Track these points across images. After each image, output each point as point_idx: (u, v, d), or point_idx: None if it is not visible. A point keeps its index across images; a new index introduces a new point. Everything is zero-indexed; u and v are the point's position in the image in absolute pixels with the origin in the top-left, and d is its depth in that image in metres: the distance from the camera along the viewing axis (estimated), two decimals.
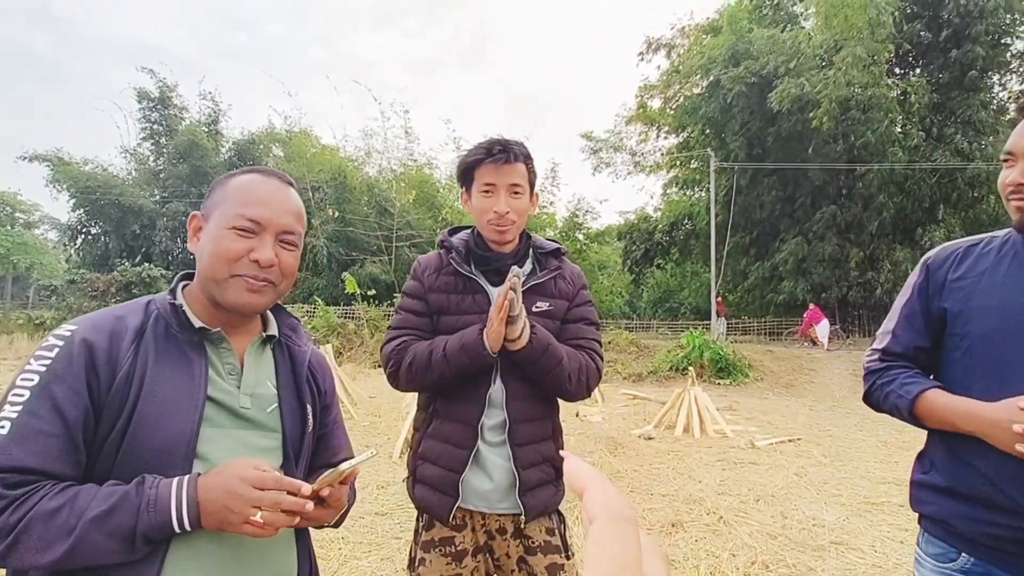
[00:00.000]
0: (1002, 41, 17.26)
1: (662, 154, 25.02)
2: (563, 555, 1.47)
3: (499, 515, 1.46)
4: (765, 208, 19.43)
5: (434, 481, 1.46)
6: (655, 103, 23.59)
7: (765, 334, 19.19)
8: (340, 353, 13.59)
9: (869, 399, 1.40)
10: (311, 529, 1.05)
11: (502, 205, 1.47)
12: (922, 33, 17.51)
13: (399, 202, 21.50)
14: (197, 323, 0.93)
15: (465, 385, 1.45)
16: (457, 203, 20.74)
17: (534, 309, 1.48)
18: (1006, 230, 1.24)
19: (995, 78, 18.27)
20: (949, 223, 16.61)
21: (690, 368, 9.39)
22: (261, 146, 26.96)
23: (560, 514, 1.54)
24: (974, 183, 16.79)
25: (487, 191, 1.49)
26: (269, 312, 1.06)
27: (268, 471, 0.84)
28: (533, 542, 1.45)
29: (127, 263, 21.34)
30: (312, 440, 1.05)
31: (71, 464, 0.81)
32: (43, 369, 0.82)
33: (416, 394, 1.61)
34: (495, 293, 1.47)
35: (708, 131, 20.62)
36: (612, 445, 5.84)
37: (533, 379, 1.45)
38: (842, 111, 16.03)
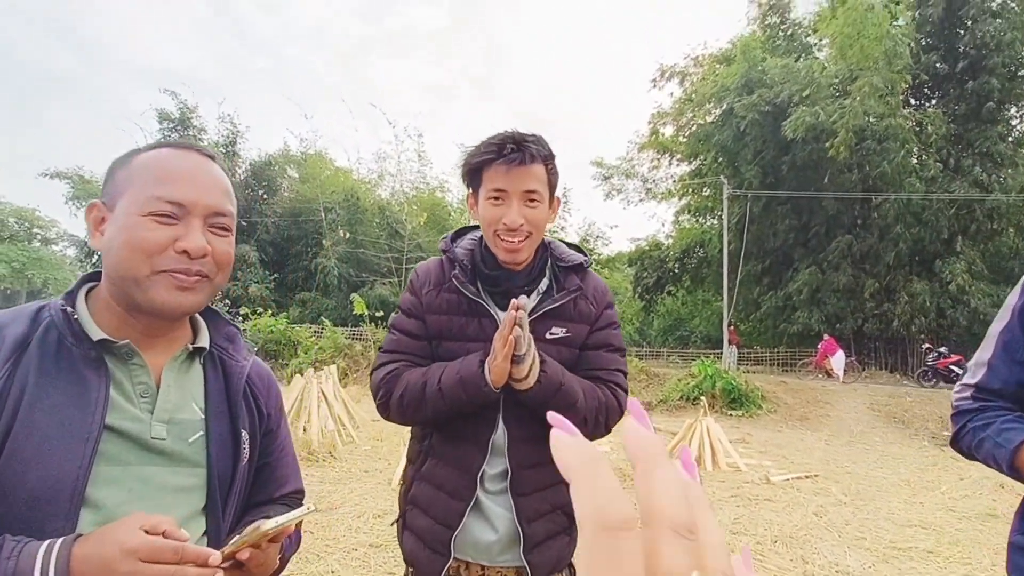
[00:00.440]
0: (1019, 74, 17.12)
1: (674, 181, 24.98)
2: None
3: (500, 567, 1.25)
4: (779, 237, 19.22)
5: (424, 534, 1.26)
6: (667, 130, 23.63)
7: (778, 365, 18.81)
8: (346, 374, 13.45)
9: (958, 444, 1.17)
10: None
11: (514, 216, 1.21)
12: (938, 64, 17.43)
13: (410, 224, 21.55)
14: (97, 334, 0.76)
15: (465, 424, 1.25)
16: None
17: (548, 336, 1.26)
18: None
19: (1012, 110, 18.10)
20: (968, 255, 16.27)
21: (702, 398, 9.14)
22: (276, 167, 27.25)
23: (573, 569, 1.32)
24: (993, 215, 16.51)
25: (496, 198, 1.23)
26: (201, 319, 0.89)
27: (166, 533, 0.65)
28: None
29: None
30: (248, 473, 0.88)
31: None
32: None
33: None
34: (504, 317, 1.23)
35: (721, 159, 20.55)
36: (621, 477, 5.61)
37: (542, 419, 1.23)
38: (857, 141, 15.92)
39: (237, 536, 0.73)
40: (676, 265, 23.75)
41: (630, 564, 0.19)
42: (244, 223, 25.72)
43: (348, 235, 21.91)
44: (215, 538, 0.80)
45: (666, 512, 0.21)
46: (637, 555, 0.20)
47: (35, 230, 24.36)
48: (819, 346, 16.20)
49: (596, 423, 1.26)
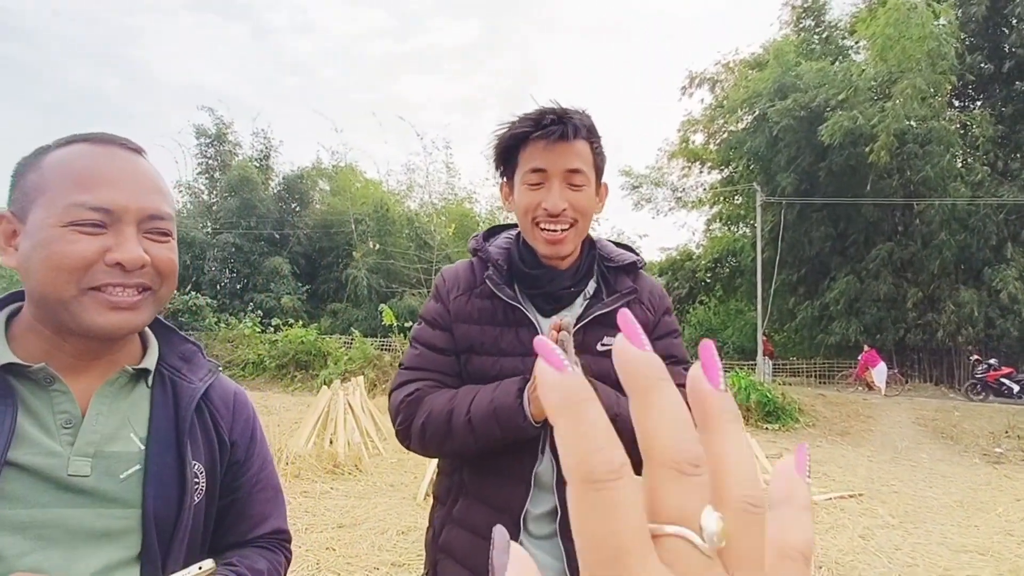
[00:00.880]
0: None
1: (705, 189, 24.58)
2: None
3: None
4: (814, 245, 18.69)
5: None
6: (698, 138, 23.29)
7: (815, 377, 18.21)
8: (375, 385, 13.49)
9: None
10: None
11: (556, 200, 1.03)
12: (983, 65, 16.79)
13: (439, 235, 21.66)
14: (3, 358, 0.66)
15: (503, 455, 1.06)
16: None
17: (599, 348, 1.07)
18: None
19: None
20: (1020, 262, 15.52)
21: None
22: (308, 180, 27.74)
23: None
24: None
25: (535, 181, 1.05)
26: (153, 337, 0.79)
27: None
28: None
29: (176, 292, 21.95)
30: (207, 512, 0.77)
31: None
32: None
33: None
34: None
35: (753, 166, 20.14)
36: None
37: None
38: (899, 145, 15.40)
39: None
40: (708, 275, 23.31)
41: (623, 517, 0.17)
42: (277, 235, 26.23)
43: (378, 246, 22.16)
44: None
45: (663, 447, 0.19)
46: (631, 506, 0.17)
47: None
48: (859, 358, 15.63)
49: None
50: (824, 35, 20.25)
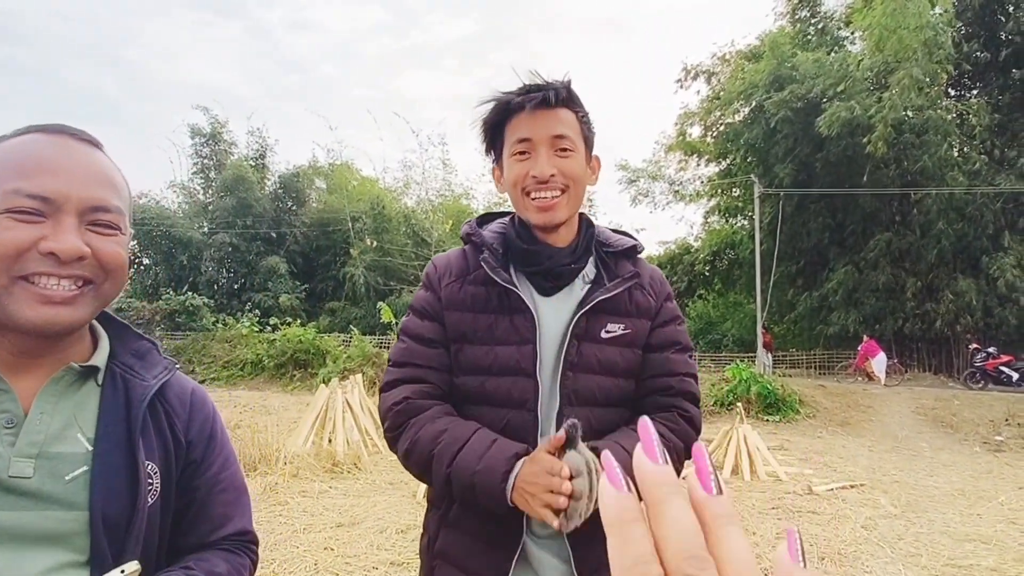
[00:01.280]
0: None
1: (702, 182, 24.52)
2: None
3: None
4: (813, 236, 18.68)
5: None
6: (695, 131, 23.23)
7: (815, 368, 18.22)
8: (373, 383, 13.45)
9: None
10: None
11: (543, 166, 1.00)
12: (979, 53, 16.73)
13: (436, 232, 21.60)
14: None
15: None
16: None
17: (604, 334, 1.04)
18: None
19: None
20: (1017, 251, 15.50)
21: (737, 404, 8.82)
22: (304, 178, 27.63)
23: None
24: None
25: (522, 150, 1.02)
26: (104, 333, 0.75)
27: None
28: None
29: (172, 292, 21.92)
30: (163, 514, 0.74)
31: None
32: None
33: None
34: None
35: (751, 158, 20.09)
36: None
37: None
38: (895, 135, 15.36)
39: None
40: (706, 268, 23.28)
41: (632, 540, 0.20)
42: (274, 234, 26.15)
43: (375, 244, 22.08)
44: None
45: (675, 551, 0.21)
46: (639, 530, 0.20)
47: None
48: (859, 348, 15.63)
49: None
50: (820, 26, 20.17)
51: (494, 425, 1.02)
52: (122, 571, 0.64)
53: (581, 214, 1.12)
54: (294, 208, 27.26)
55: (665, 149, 24.39)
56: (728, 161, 22.50)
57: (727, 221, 24.49)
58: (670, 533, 0.21)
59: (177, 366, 0.81)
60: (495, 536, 1.00)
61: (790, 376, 15.89)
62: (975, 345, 14.61)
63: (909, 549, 3.97)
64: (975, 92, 17.93)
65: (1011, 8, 16.13)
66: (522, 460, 0.93)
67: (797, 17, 20.51)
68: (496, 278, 1.03)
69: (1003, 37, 16.44)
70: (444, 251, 1.13)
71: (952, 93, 18.16)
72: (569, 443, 0.87)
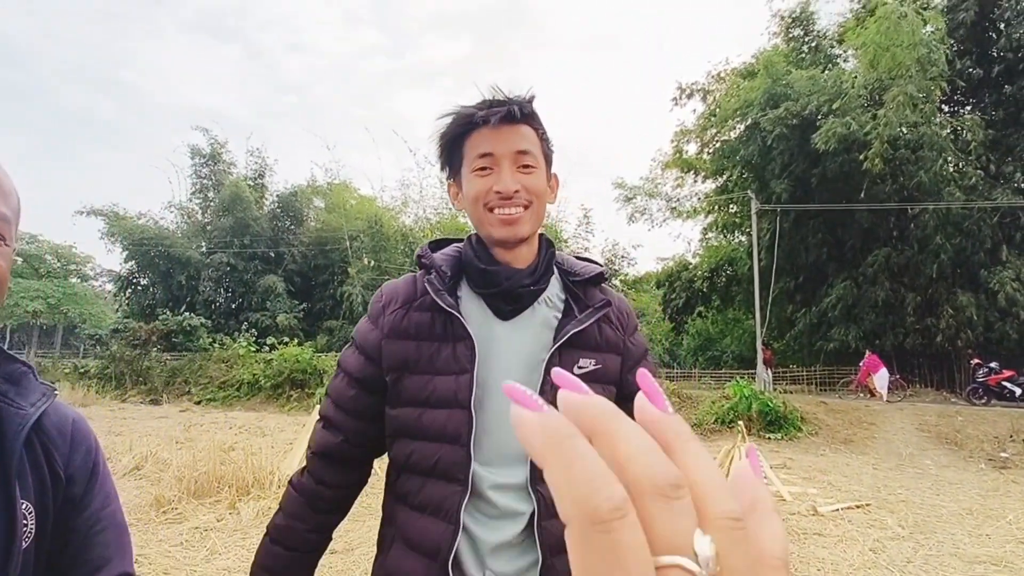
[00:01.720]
0: None
1: (699, 199, 24.59)
2: None
3: None
4: (811, 252, 18.68)
5: None
6: (691, 148, 23.35)
7: (815, 384, 18.10)
8: None
9: None
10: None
11: (507, 181, 0.96)
12: (972, 70, 16.90)
13: None
14: None
15: (430, 499, 0.96)
16: None
17: (576, 370, 0.98)
18: None
19: None
20: (1015, 265, 15.50)
21: (739, 422, 8.71)
22: (303, 198, 27.71)
23: None
24: None
25: (484, 166, 0.98)
26: None
27: None
28: None
29: (170, 313, 21.83)
30: (38, 555, 0.66)
31: None
32: None
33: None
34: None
35: (747, 174, 20.18)
36: None
37: None
38: (891, 150, 15.45)
39: None
40: (705, 284, 23.24)
41: (635, 557, 0.16)
42: (272, 254, 26.14)
43: (373, 262, 22.07)
44: None
45: (642, 476, 0.18)
46: (640, 545, 0.17)
47: (71, 266, 25.11)
48: (861, 363, 15.52)
49: None
50: (813, 44, 20.39)
51: (425, 462, 0.96)
52: None
53: (541, 235, 1.08)
54: (292, 227, 27.30)
55: (662, 166, 24.49)
56: (725, 178, 22.59)
57: (725, 237, 24.53)
58: (631, 451, 0.18)
59: (56, 392, 0.73)
60: None
61: (791, 393, 15.77)
62: (976, 360, 14.52)
63: (919, 572, 3.86)
64: (968, 108, 18.08)
65: (1002, 25, 16.34)
66: None
67: (791, 36, 20.74)
68: (439, 301, 0.98)
69: (995, 54, 16.61)
70: None
71: (946, 109, 18.30)
72: None
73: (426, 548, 0.94)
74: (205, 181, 27.53)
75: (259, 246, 25.58)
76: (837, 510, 5.55)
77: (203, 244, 26.23)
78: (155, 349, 19.54)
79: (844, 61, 19.58)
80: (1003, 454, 9.40)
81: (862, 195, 16.69)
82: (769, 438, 11.31)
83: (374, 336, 1.02)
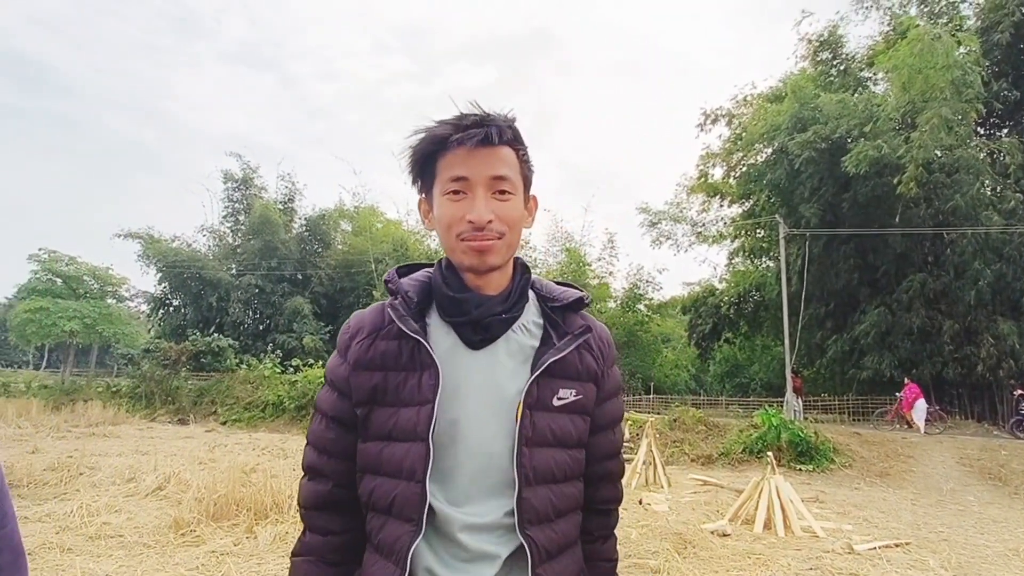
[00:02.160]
0: None
1: (725, 223, 24.33)
2: None
3: None
4: (842, 277, 18.24)
5: None
6: (717, 172, 23.18)
7: (848, 414, 17.49)
8: None
9: None
10: None
11: (480, 210, 0.89)
12: (1007, 92, 16.54)
13: None
14: None
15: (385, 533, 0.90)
16: None
17: (556, 401, 0.93)
18: None
19: None
20: None
21: (768, 453, 8.41)
22: (330, 221, 28.20)
23: None
24: None
25: (456, 191, 0.91)
26: None
27: None
28: None
29: (199, 333, 22.23)
30: None
31: None
32: None
33: None
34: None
35: (775, 198, 19.91)
36: (680, 543, 5.07)
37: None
38: (926, 174, 15.11)
39: None
40: (732, 310, 22.85)
41: None
42: (299, 276, 26.55)
43: None
44: None
45: None
46: None
47: (108, 287, 25.88)
48: (901, 393, 14.93)
49: None
50: (842, 67, 20.21)
51: (383, 500, 0.90)
52: None
53: (516, 259, 1.02)
54: (319, 250, 27.74)
55: (687, 191, 24.35)
56: (751, 202, 22.33)
57: (752, 262, 24.17)
58: None
59: None
60: None
61: (822, 423, 15.26)
62: (1020, 391, 13.90)
63: None
64: (1006, 131, 17.64)
65: None
66: None
67: (819, 59, 20.60)
68: (404, 327, 0.92)
69: None
70: None
71: (982, 132, 17.90)
72: None
73: (393, 557, 0.88)
74: (237, 205, 28.22)
75: (287, 268, 26.02)
76: (874, 549, 5.28)
77: (233, 266, 26.79)
78: (184, 369, 19.87)
79: (874, 84, 19.37)
80: None
81: (896, 219, 16.31)
82: (800, 470, 10.91)
83: (342, 370, 0.96)
